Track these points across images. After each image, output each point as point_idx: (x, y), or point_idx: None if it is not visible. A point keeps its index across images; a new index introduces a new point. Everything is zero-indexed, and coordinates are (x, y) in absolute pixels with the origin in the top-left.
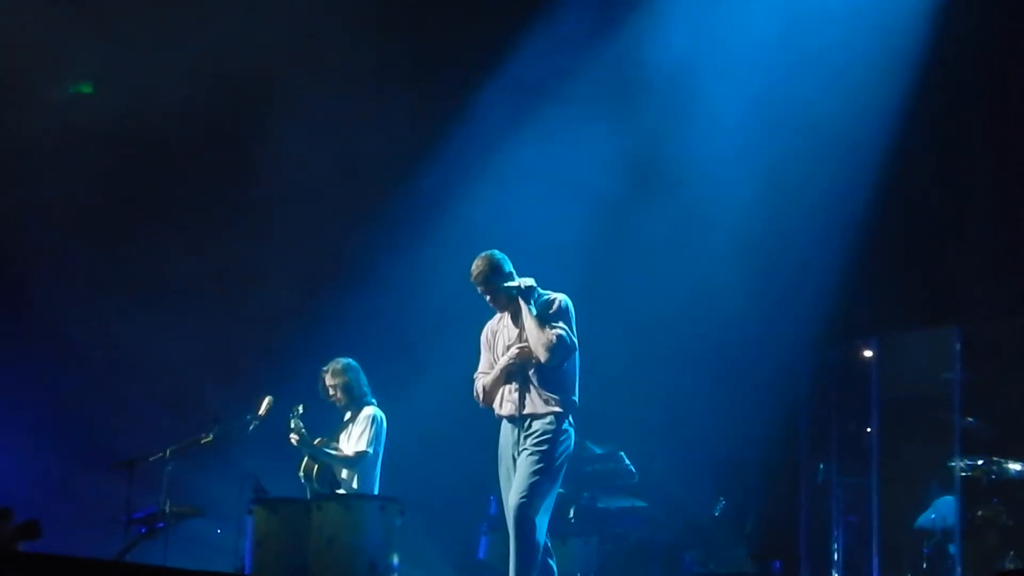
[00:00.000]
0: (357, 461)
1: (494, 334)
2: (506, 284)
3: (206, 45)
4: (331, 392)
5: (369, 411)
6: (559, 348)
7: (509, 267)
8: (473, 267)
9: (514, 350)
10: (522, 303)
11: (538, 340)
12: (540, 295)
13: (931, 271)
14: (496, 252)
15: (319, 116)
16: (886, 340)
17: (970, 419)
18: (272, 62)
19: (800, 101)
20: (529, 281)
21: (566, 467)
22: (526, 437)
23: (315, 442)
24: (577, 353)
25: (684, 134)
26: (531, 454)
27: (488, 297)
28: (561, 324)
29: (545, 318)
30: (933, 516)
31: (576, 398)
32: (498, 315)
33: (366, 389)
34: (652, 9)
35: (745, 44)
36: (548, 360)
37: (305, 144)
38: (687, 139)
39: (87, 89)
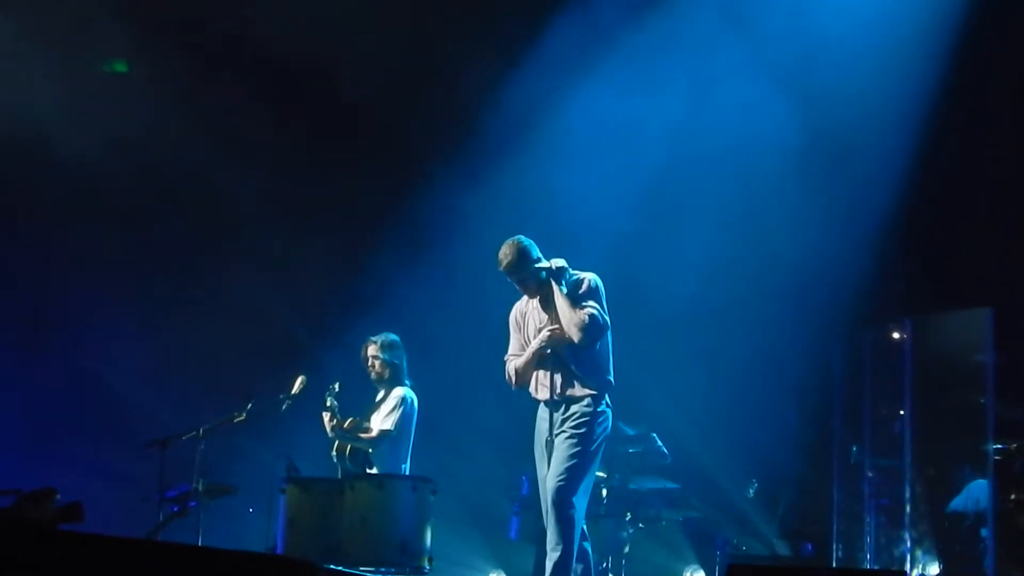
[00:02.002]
0: (380, 440)
1: (523, 316)
2: (536, 267)
3: None
4: (371, 363)
5: (400, 392)
6: (592, 327)
7: (536, 252)
8: (500, 255)
9: (545, 332)
10: (554, 285)
11: (571, 321)
12: (570, 275)
13: (964, 252)
14: (523, 238)
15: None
16: (919, 322)
17: (1003, 401)
18: None
19: (831, 82)
20: (560, 262)
21: (604, 449)
22: (564, 420)
23: (347, 422)
24: (610, 332)
25: (722, 106)
26: (569, 437)
27: (518, 285)
28: (592, 303)
29: (576, 298)
30: (966, 499)
31: (611, 377)
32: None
33: (406, 370)
34: None
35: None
36: (582, 340)
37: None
38: (723, 111)
39: (121, 68)
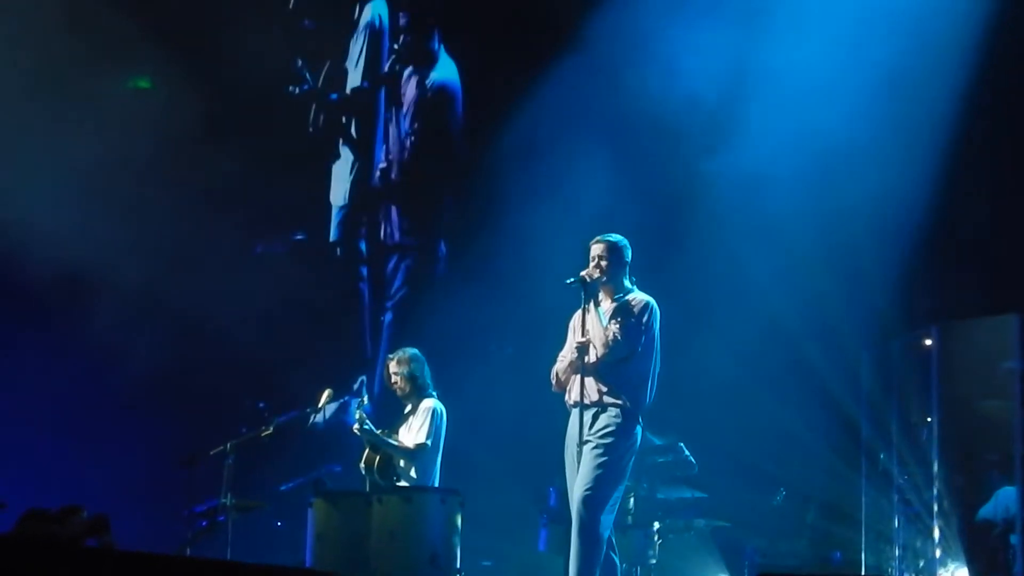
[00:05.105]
0: (417, 453)
1: (579, 320)
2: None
3: None
4: (394, 380)
5: (429, 403)
6: (616, 347)
7: (626, 257)
8: (605, 235)
9: (574, 343)
10: (585, 298)
11: (599, 333)
12: (626, 291)
13: (990, 260)
14: (627, 242)
15: None
16: (946, 329)
17: None
18: None
19: (858, 92)
20: (596, 274)
21: (632, 463)
22: (591, 429)
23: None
24: (657, 354)
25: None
26: (595, 447)
27: (596, 266)
28: (631, 323)
29: (619, 314)
30: (995, 506)
31: (647, 397)
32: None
33: (429, 381)
34: None
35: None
36: (603, 356)
37: None
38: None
39: (145, 84)
